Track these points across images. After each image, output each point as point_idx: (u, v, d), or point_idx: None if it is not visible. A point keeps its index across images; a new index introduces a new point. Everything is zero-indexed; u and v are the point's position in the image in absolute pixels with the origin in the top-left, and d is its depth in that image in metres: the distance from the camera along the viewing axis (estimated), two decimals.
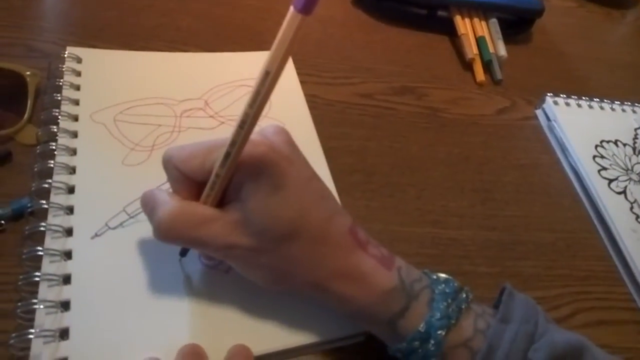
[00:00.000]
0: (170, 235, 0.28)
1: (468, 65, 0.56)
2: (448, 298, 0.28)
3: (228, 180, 0.28)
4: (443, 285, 0.29)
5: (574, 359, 0.28)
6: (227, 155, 0.26)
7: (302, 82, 0.47)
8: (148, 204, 0.29)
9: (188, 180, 0.28)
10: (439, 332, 0.27)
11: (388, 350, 0.30)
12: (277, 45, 0.23)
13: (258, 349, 0.30)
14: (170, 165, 0.29)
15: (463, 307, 0.29)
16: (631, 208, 0.46)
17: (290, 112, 0.44)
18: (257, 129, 0.29)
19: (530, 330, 0.28)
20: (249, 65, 0.46)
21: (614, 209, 0.45)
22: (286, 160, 0.28)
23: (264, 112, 0.46)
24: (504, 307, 0.29)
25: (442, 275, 0.30)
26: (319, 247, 0.28)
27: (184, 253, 0.32)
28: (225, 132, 0.26)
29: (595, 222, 0.46)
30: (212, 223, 0.28)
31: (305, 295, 0.30)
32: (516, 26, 0.62)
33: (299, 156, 0.30)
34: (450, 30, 0.59)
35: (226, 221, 0.28)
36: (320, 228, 0.28)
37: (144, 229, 0.33)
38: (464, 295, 0.29)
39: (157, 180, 0.35)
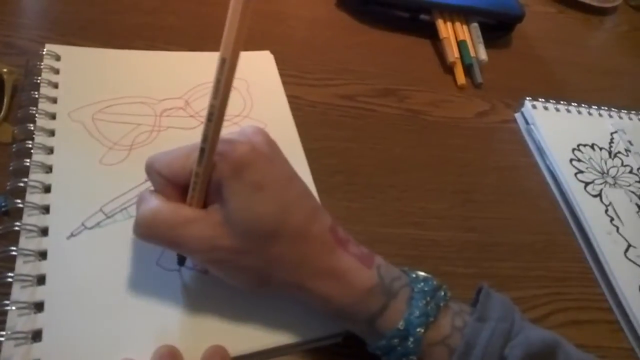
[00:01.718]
0: (150, 233, 0.28)
1: (449, 69, 0.57)
2: (427, 296, 0.29)
3: (208, 179, 0.27)
4: (422, 284, 0.29)
5: (549, 356, 0.28)
6: (202, 151, 0.26)
7: (284, 83, 0.47)
8: (137, 203, 0.29)
9: (172, 185, 0.28)
10: (418, 329, 0.28)
11: (368, 348, 0.30)
12: (227, 31, 0.23)
13: (235, 349, 0.30)
14: (152, 171, 0.29)
15: (441, 304, 0.29)
16: (606, 211, 0.47)
17: (272, 113, 0.44)
18: (237, 129, 0.29)
19: (506, 329, 0.28)
20: None
21: (589, 211, 0.46)
22: (266, 159, 0.28)
23: (245, 113, 0.46)
24: (481, 306, 0.29)
25: (421, 273, 0.30)
26: (300, 246, 0.28)
27: (181, 262, 0.32)
28: None
29: (572, 224, 0.47)
30: (193, 223, 0.27)
31: (286, 296, 0.30)
32: (497, 31, 0.63)
33: (279, 156, 0.30)
34: (432, 34, 0.59)
35: (208, 222, 0.28)
36: (302, 227, 0.28)
37: (121, 229, 0.33)
38: (442, 293, 0.29)
39: (135, 180, 0.35)
